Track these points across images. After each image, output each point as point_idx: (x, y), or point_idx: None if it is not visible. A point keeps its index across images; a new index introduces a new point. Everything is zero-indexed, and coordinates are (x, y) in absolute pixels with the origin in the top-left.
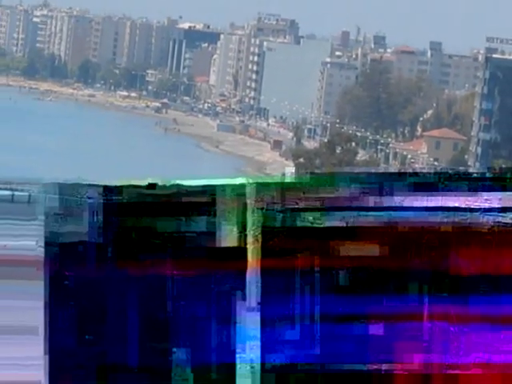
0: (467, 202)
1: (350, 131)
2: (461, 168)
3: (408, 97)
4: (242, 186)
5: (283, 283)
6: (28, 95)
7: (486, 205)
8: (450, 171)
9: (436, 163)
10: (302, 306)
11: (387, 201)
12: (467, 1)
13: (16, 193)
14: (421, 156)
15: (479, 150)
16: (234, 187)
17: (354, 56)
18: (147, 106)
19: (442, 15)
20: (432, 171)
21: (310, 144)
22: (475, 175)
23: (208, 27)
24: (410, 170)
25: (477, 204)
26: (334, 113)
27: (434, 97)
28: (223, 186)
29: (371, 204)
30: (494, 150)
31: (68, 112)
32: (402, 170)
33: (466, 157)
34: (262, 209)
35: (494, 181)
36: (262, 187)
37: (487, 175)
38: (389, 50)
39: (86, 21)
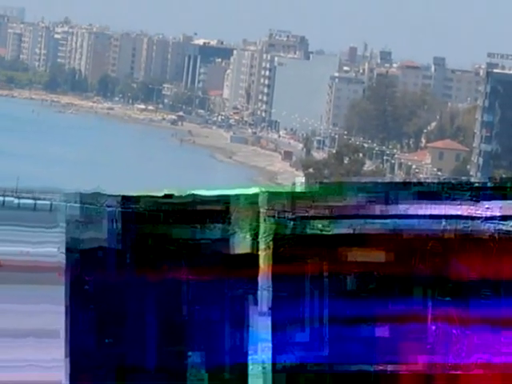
0: (469, 211)
1: (358, 142)
2: (463, 178)
3: (413, 109)
4: (255, 195)
5: (294, 288)
6: (50, 108)
7: (488, 213)
8: (453, 181)
9: (439, 173)
10: (311, 309)
11: (393, 209)
12: (469, 18)
13: (38, 201)
14: (425, 166)
15: (481, 160)
16: (246, 196)
17: (361, 71)
18: (163, 119)
19: (446, 31)
20: (435, 181)
21: (319, 155)
22: (477, 185)
23: (222, 43)
24: (415, 180)
25: (478, 212)
26: (342, 125)
27: (438, 109)
28: (236, 196)
29: (377, 212)
30: (494, 160)
31: (88, 124)
32: (407, 180)
33: (468, 167)
34: (274, 217)
35: (495, 190)
36: (273, 196)
37: (488, 185)
38: (394, 65)
39: (105, 37)
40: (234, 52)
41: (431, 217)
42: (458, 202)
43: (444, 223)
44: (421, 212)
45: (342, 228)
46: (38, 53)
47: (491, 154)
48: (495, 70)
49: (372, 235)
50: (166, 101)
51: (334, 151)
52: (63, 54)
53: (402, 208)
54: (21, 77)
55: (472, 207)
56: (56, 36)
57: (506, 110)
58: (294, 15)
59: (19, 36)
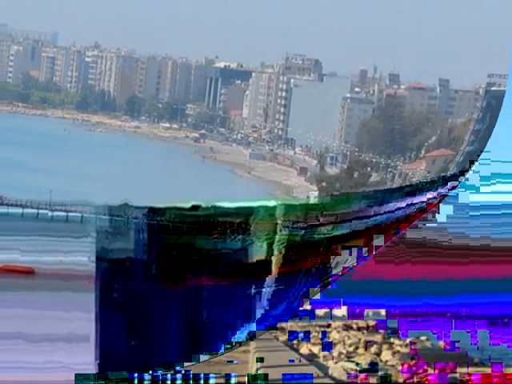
0: (429, 197)
1: (367, 158)
2: (443, 175)
3: (418, 127)
4: (272, 207)
5: (291, 281)
6: (81, 127)
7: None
8: (435, 178)
9: (428, 175)
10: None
11: (384, 208)
12: (472, 41)
13: (70, 214)
14: (419, 172)
15: (461, 159)
16: (264, 209)
17: (371, 92)
18: (187, 137)
19: (450, 55)
20: (424, 181)
21: (331, 170)
22: (440, 179)
23: (241, 66)
24: (407, 183)
25: (433, 198)
26: (353, 142)
27: (440, 126)
28: (255, 208)
29: (372, 213)
30: (472, 157)
31: (116, 142)
32: (402, 185)
33: (450, 165)
34: (288, 227)
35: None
36: (289, 208)
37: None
38: (402, 87)
39: (132, 60)
40: (253, 74)
41: (408, 205)
42: (430, 193)
43: (413, 208)
44: (403, 204)
45: (343, 230)
46: (69, 75)
47: (471, 153)
48: (493, 88)
49: (361, 231)
50: (189, 120)
51: (346, 166)
52: (93, 76)
53: (392, 206)
54: (54, 97)
55: (431, 195)
56: (87, 59)
57: (493, 118)
58: (308, 40)
59: (52, 59)
